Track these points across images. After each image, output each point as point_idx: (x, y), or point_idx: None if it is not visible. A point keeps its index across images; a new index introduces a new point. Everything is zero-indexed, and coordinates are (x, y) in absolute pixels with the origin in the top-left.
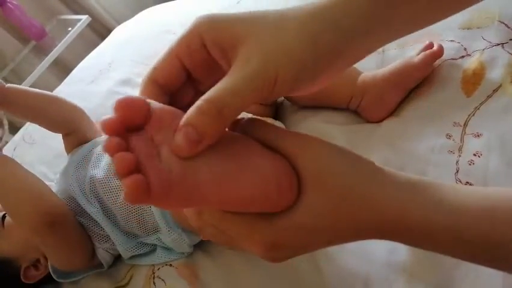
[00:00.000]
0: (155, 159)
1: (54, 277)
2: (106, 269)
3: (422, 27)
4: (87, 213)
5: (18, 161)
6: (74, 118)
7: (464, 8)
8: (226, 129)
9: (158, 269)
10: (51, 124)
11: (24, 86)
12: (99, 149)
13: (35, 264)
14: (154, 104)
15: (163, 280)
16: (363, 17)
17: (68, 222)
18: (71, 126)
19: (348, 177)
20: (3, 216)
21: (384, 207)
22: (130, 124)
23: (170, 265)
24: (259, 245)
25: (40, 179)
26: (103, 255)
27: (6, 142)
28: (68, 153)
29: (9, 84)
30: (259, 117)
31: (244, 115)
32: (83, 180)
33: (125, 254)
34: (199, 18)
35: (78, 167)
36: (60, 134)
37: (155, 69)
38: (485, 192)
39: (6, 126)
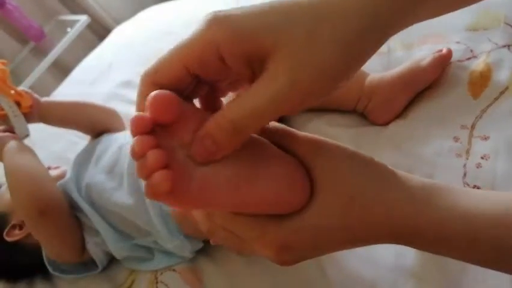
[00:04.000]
0: (180, 159)
1: (49, 269)
2: (101, 271)
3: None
4: (80, 207)
5: None
6: (104, 122)
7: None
8: None
9: (161, 273)
10: (82, 129)
11: (55, 99)
12: (101, 147)
13: (21, 224)
14: (185, 103)
15: (166, 285)
16: (396, 11)
17: (61, 213)
18: (100, 129)
19: (360, 179)
20: None
21: (397, 210)
22: (160, 122)
23: (174, 270)
24: (270, 246)
25: (44, 168)
26: (94, 249)
27: (27, 135)
28: None
29: (44, 99)
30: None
31: None
32: (81, 179)
33: (117, 254)
34: (213, 23)
35: (81, 163)
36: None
37: (157, 73)
38: (497, 197)
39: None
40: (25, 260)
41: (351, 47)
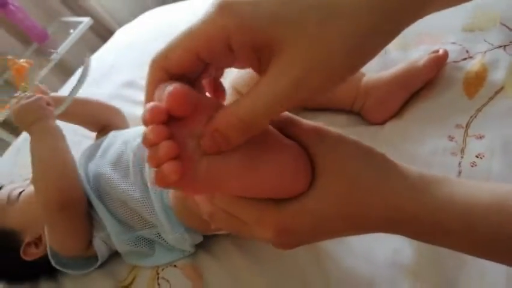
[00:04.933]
0: (189, 148)
1: (52, 262)
2: (103, 267)
3: None
4: (89, 200)
5: (21, 164)
6: (107, 118)
7: None
8: None
9: (163, 269)
10: (86, 124)
11: (61, 94)
12: (107, 142)
13: (36, 242)
14: (196, 94)
15: (167, 281)
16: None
17: (79, 208)
18: (101, 123)
19: (360, 166)
20: (21, 192)
21: (395, 198)
22: (175, 115)
23: (175, 266)
24: (270, 228)
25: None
26: (99, 244)
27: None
28: None
29: (52, 94)
30: None
31: None
32: (89, 170)
33: (120, 247)
34: (224, 9)
35: (88, 156)
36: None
37: (167, 59)
38: (493, 187)
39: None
40: (36, 269)
41: (362, 44)
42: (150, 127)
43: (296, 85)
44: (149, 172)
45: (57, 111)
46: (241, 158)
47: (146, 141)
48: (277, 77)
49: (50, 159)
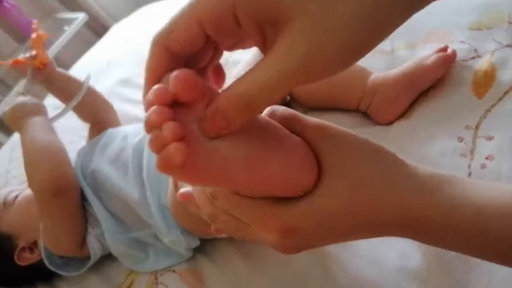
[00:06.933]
0: (194, 134)
1: (46, 262)
2: (100, 272)
3: None
4: (84, 195)
5: (16, 162)
6: (102, 109)
7: None
8: None
9: (161, 274)
10: (81, 111)
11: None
12: (105, 139)
13: (31, 246)
14: (205, 84)
15: (166, 286)
16: None
17: (73, 196)
18: (98, 116)
19: (368, 164)
20: (17, 196)
21: (405, 198)
22: (180, 100)
23: (174, 271)
24: (274, 229)
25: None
26: (93, 242)
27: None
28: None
29: (59, 69)
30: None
31: None
32: (87, 166)
33: (113, 247)
34: None
35: (85, 154)
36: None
37: (170, 35)
38: (506, 188)
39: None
40: (32, 274)
41: (376, 24)
42: (153, 108)
43: (300, 67)
44: (146, 166)
45: (54, 120)
46: (247, 150)
47: (149, 123)
48: (282, 55)
49: (43, 147)
